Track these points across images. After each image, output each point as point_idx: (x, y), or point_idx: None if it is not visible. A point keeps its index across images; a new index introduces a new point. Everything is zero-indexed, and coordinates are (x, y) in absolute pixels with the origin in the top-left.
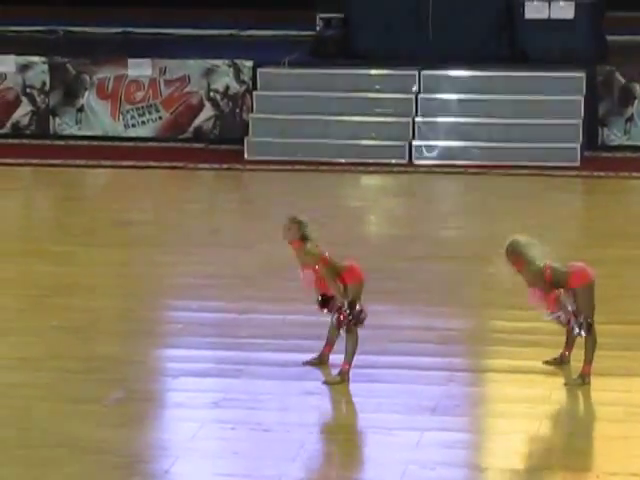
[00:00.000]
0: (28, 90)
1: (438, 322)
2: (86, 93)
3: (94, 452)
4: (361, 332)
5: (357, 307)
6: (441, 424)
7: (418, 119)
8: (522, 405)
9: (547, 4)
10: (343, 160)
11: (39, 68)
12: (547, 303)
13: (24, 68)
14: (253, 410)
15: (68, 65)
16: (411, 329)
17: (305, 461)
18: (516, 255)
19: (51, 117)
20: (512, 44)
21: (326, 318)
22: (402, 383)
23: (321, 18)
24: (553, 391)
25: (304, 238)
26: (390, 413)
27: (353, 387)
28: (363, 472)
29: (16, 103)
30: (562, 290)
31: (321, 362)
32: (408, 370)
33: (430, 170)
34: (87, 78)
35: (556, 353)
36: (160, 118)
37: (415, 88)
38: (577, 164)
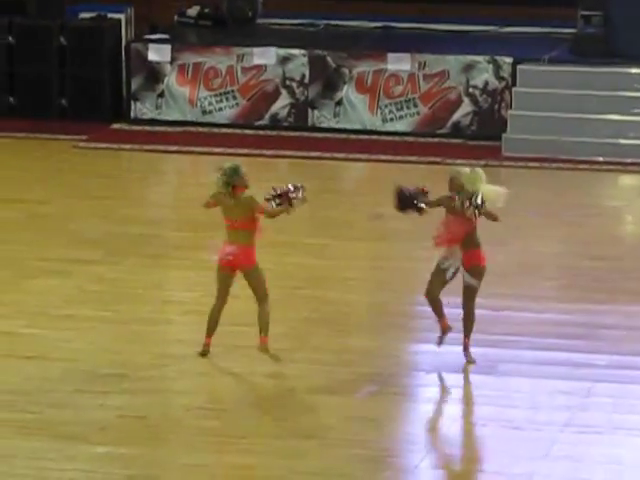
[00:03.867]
0: (287, 82)
1: None
2: (345, 86)
3: (345, 445)
4: (617, 332)
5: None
6: None
7: None
8: None
9: None
10: (601, 159)
11: (299, 61)
12: None
13: (284, 60)
14: (505, 407)
15: (328, 58)
16: None
17: (555, 460)
18: None
19: (310, 109)
20: None
21: (579, 319)
22: None
23: (582, 16)
24: None
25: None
26: None
27: (606, 387)
28: (614, 473)
29: (275, 95)
30: None
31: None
32: None
33: None
34: (346, 71)
35: None
36: (418, 113)
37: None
38: None
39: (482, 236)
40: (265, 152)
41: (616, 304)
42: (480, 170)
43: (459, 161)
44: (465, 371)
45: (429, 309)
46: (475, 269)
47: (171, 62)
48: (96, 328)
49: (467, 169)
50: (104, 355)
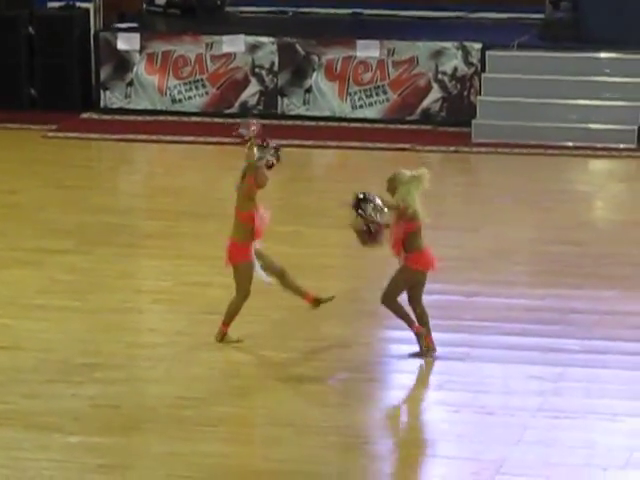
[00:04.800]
0: (257, 70)
1: None
2: (314, 74)
3: (319, 432)
4: (589, 317)
5: None
6: None
7: None
8: None
9: None
10: (571, 144)
11: (268, 48)
12: None
13: (254, 48)
14: (477, 393)
15: (297, 45)
16: None
17: (528, 445)
18: None
19: (279, 97)
20: None
21: (550, 304)
22: (629, 369)
23: (550, 1)
24: None
25: None
26: (616, 399)
27: (578, 372)
28: (587, 457)
29: (245, 83)
30: None
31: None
32: (636, 356)
33: None
34: (315, 59)
35: None
36: (387, 100)
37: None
38: None
39: (453, 222)
40: (235, 140)
41: (588, 289)
42: (423, 174)
43: (429, 147)
44: (438, 358)
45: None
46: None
47: (140, 51)
48: (68, 318)
49: (408, 173)
50: (76, 345)
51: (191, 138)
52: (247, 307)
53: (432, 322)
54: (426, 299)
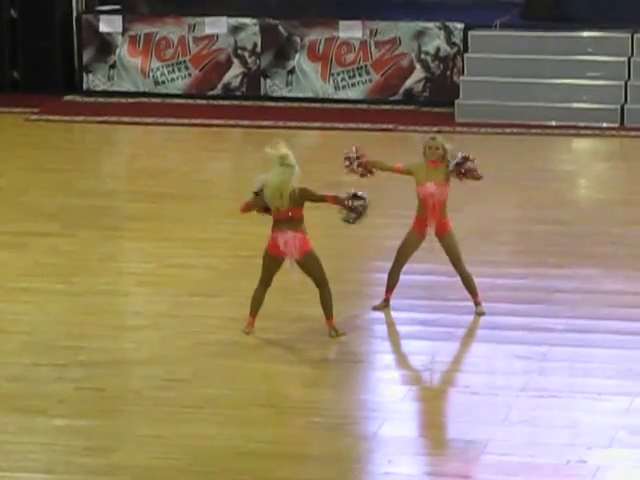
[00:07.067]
0: (239, 52)
1: None
2: (297, 55)
3: (303, 413)
4: (572, 296)
5: None
6: None
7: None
8: None
9: None
10: (554, 123)
11: (250, 30)
12: None
13: (236, 30)
14: (462, 373)
15: (279, 27)
16: (624, 294)
17: (512, 424)
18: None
19: (262, 79)
20: None
21: (534, 283)
22: (613, 348)
23: None
24: None
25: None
26: (600, 378)
27: (563, 351)
28: (571, 436)
29: (227, 64)
30: None
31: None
32: (620, 335)
33: None
34: (298, 40)
35: None
36: (370, 80)
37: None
38: None
39: None
40: (218, 122)
41: (571, 268)
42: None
43: (412, 127)
44: (422, 338)
45: (383, 276)
46: None
47: (122, 33)
48: (52, 301)
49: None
50: (61, 327)
51: (174, 120)
52: (233, 288)
53: (417, 302)
54: (411, 279)
